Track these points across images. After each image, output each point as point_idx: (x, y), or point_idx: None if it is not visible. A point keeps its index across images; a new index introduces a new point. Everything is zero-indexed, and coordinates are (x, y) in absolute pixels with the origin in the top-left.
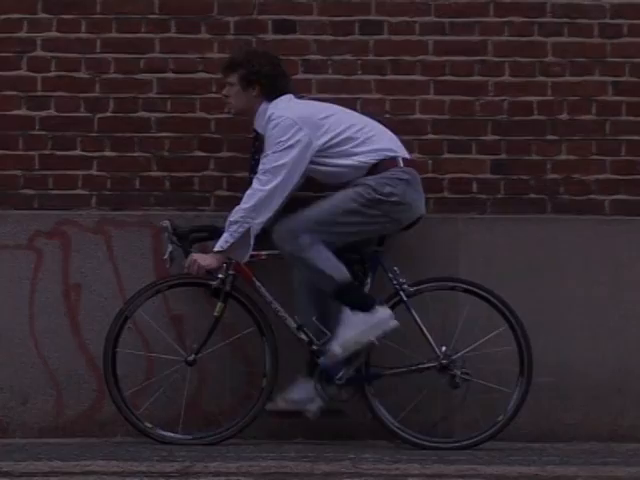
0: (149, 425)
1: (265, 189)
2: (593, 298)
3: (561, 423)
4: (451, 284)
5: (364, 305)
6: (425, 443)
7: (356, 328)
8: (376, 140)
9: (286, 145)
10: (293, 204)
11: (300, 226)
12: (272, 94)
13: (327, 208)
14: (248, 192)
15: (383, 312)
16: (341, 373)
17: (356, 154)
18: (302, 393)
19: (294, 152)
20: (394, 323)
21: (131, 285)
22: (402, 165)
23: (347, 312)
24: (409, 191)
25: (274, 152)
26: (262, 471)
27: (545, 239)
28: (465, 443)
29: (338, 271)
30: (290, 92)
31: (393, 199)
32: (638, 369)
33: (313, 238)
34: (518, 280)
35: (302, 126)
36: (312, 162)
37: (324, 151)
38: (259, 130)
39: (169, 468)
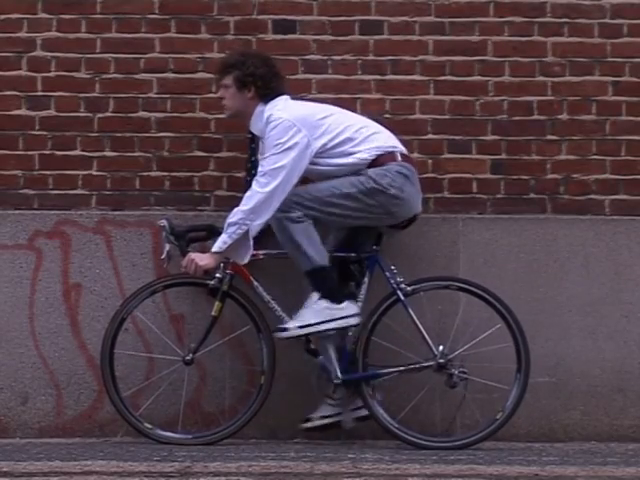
0: (148, 425)
1: (264, 191)
2: (593, 298)
3: (561, 423)
4: (446, 283)
5: (333, 295)
6: (424, 443)
7: (318, 315)
8: (375, 139)
9: (285, 147)
10: None
11: (295, 199)
12: (267, 95)
13: (325, 187)
14: (247, 194)
15: (350, 307)
16: (338, 372)
17: (355, 152)
18: (329, 409)
19: (293, 154)
20: (356, 321)
21: (131, 285)
22: (400, 160)
23: (315, 296)
24: (407, 185)
25: (273, 154)
26: (262, 471)
27: (545, 239)
28: (465, 442)
29: (318, 253)
30: (285, 93)
31: (391, 191)
32: (638, 369)
33: (305, 214)
34: (518, 280)
35: (301, 127)
36: (312, 163)
37: (324, 152)
38: (255, 132)
39: (169, 468)
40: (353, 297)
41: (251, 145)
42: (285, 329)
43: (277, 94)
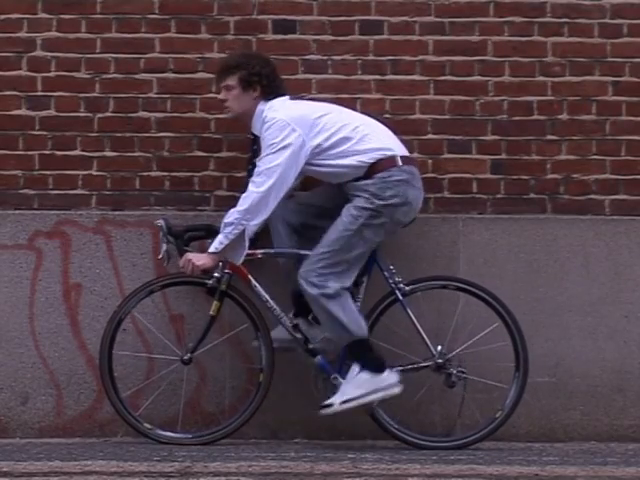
0: (148, 425)
1: (259, 191)
2: (593, 298)
3: (561, 423)
4: (444, 282)
5: (374, 366)
6: (424, 443)
7: (361, 388)
8: (373, 138)
9: (279, 146)
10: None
11: (321, 265)
12: (271, 94)
13: (338, 236)
14: (244, 194)
15: (391, 377)
16: (337, 372)
17: (355, 154)
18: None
19: (287, 153)
20: (399, 389)
21: (131, 285)
22: (400, 164)
23: (355, 369)
24: (409, 190)
25: (268, 154)
26: (262, 471)
27: (545, 239)
28: (464, 441)
29: (358, 326)
30: (285, 93)
31: (395, 201)
32: (638, 369)
33: (340, 285)
34: (518, 280)
35: (295, 127)
36: (311, 164)
37: (322, 152)
38: (256, 133)
39: (169, 468)
40: (390, 366)
41: (253, 147)
42: (330, 405)
43: (279, 94)
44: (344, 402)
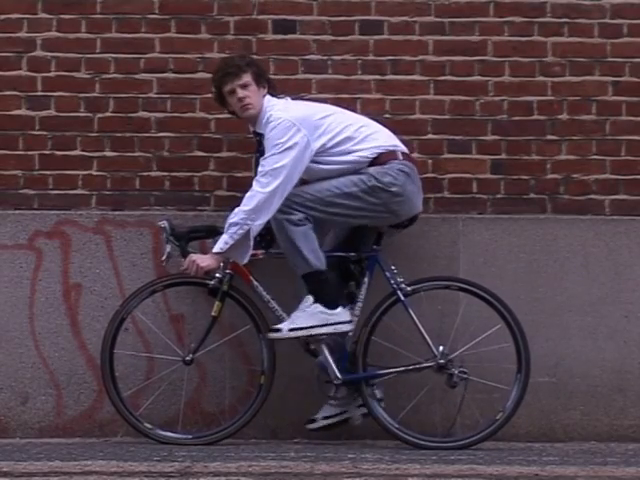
0: (148, 425)
1: (265, 191)
2: (593, 298)
3: (561, 423)
4: (446, 283)
5: (328, 300)
6: (424, 443)
7: (311, 319)
8: (375, 138)
9: (285, 147)
10: None
11: (297, 200)
12: (271, 91)
13: (327, 187)
14: (248, 194)
15: (343, 314)
16: (337, 373)
17: (357, 151)
18: (333, 410)
19: (293, 153)
20: (348, 328)
21: (131, 285)
22: (401, 158)
23: (309, 300)
24: (408, 184)
25: (273, 154)
26: (262, 471)
27: (545, 239)
28: (465, 442)
29: (316, 257)
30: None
31: (393, 189)
32: (638, 369)
33: (306, 216)
34: (518, 280)
35: (300, 127)
36: (313, 161)
37: (325, 152)
38: (260, 131)
39: (169, 468)
40: (349, 302)
41: (259, 147)
42: (278, 330)
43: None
44: (292, 330)
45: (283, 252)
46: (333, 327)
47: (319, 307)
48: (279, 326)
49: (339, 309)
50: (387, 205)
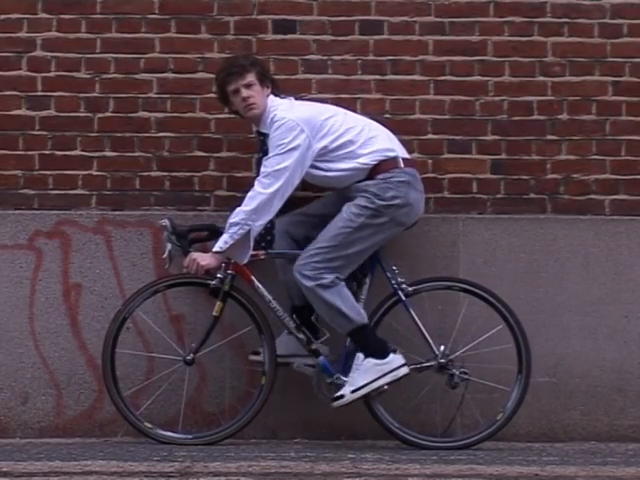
0: (149, 425)
1: (267, 192)
2: (593, 298)
3: (561, 423)
4: (448, 283)
5: (379, 351)
6: (424, 442)
7: (369, 375)
8: (376, 141)
9: (288, 148)
10: (294, 204)
11: (318, 259)
12: (274, 91)
13: (336, 233)
14: (249, 194)
15: (396, 360)
16: (339, 372)
17: (358, 157)
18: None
19: (296, 155)
20: (406, 370)
21: (131, 285)
22: (402, 165)
23: (360, 357)
24: (411, 192)
25: (276, 154)
26: (262, 471)
27: (545, 239)
28: (465, 442)
29: (356, 312)
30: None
31: (397, 202)
32: (638, 369)
33: (335, 276)
34: (518, 280)
35: (304, 128)
36: (314, 167)
37: (325, 155)
38: (265, 130)
39: (169, 468)
40: (394, 349)
41: (262, 147)
42: (341, 397)
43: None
44: (354, 391)
45: (324, 317)
46: (391, 375)
47: (372, 361)
48: (341, 393)
49: (391, 356)
50: (395, 219)
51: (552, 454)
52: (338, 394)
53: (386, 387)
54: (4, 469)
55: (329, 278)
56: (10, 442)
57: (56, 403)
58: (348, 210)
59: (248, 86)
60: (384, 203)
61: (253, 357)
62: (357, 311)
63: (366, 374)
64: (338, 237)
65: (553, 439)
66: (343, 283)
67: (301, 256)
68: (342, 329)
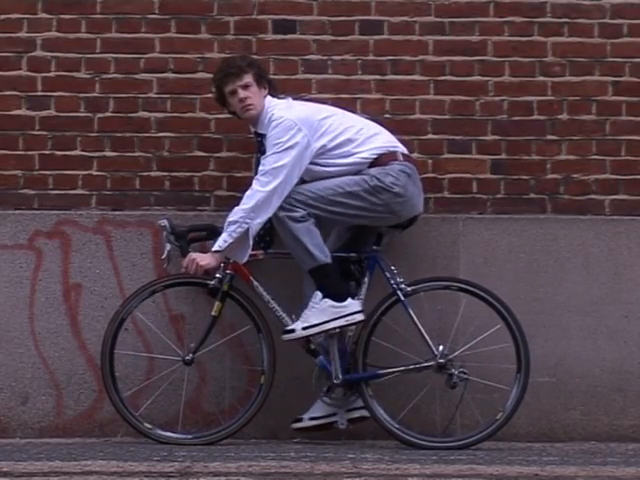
0: (148, 425)
1: (265, 190)
2: (593, 298)
3: (561, 423)
4: (447, 283)
5: (337, 293)
6: (424, 443)
7: (324, 316)
8: (376, 139)
9: (285, 146)
10: None
11: (299, 197)
12: (271, 91)
13: (330, 186)
14: (248, 193)
15: (353, 305)
16: (339, 373)
17: (357, 153)
18: (324, 409)
19: (293, 153)
20: (361, 317)
21: (131, 285)
22: (402, 159)
23: (318, 296)
24: (410, 184)
25: (274, 153)
26: (262, 471)
27: (545, 239)
28: (465, 442)
29: (321, 251)
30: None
31: (395, 189)
32: (638, 369)
33: (308, 213)
34: (518, 280)
35: (302, 127)
36: (315, 163)
37: (325, 153)
38: (263, 131)
39: (169, 468)
40: (352, 294)
41: (260, 148)
42: (291, 330)
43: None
44: (306, 328)
45: (288, 249)
46: (345, 319)
47: (329, 302)
48: (292, 326)
49: (348, 300)
50: (388, 205)
51: (552, 454)
52: (289, 328)
53: (337, 330)
54: (4, 469)
55: (301, 212)
56: (10, 442)
57: (56, 403)
58: (349, 177)
59: (245, 87)
60: (382, 185)
61: (296, 425)
62: (321, 249)
63: (321, 314)
64: (327, 190)
65: (553, 439)
66: (313, 220)
67: None
68: (305, 265)
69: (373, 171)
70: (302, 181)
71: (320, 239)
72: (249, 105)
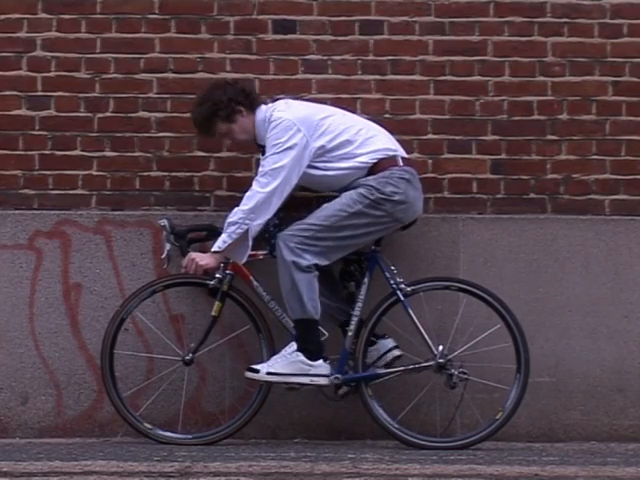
0: (148, 425)
1: (264, 191)
2: (593, 298)
3: (561, 423)
4: (446, 283)
5: (312, 351)
6: (424, 443)
7: (290, 368)
8: (375, 141)
9: (284, 147)
10: (294, 204)
11: (308, 235)
12: (255, 102)
13: (332, 213)
14: (247, 193)
15: (322, 367)
16: (337, 373)
17: (356, 156)
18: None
19: (292, 154)
20: (325, 382)
21: (131, 285)
22: (401, 164)
23: (292, 347)
24: (410, 189)
25: (273, 153)
26: (262, 471)
27: (545, 239)
28: (465, 442)
29: (313, 305)
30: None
31: (396, 198)
32: (638, 369)
33: (314, 262)
34: (518, 280)
35: (300, 127)
36: (313, 167)
37: (323, 155)
38: (262, 142)
39: (169, 468)
40: (325, 357)
41: (263, 153)
42: (255, 370)
43: (259, 99)
44: (270, 373)
45: (282, 292)
46: (309, 378)
47: (300, 356)
48: (258, 367)
49: (319, 361)
50: (392, 214)
51: (552, 454)
52: (255, 367)
53: (297, 387)
54: (4, 469)
55: (308, 262)
56: (10, 442)
57: (56, 403)
58: (348, 195)
59: (224, 134)
60: (383, 197)
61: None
62: (314, 304)
63: (289, 365)
64: (332, 218)
65: (553, 439)
66: (316, 273)
67: (290, 227)
68: (293, 313)
69: (372, 182)
70: (301, 188)
71: (317, 295)
72: (236, 140)
